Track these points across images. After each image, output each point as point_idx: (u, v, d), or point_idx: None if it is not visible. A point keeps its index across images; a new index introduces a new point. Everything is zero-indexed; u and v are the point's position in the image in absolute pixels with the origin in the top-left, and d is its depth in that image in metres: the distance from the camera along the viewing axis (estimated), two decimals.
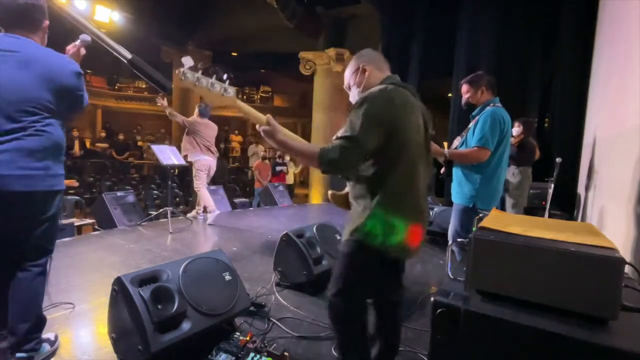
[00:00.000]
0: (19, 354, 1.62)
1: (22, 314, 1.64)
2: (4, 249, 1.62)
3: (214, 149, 5.07)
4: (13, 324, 1.62)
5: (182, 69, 1.28)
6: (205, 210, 5.25)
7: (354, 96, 1.54)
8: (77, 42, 1.82)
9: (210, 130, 5.03)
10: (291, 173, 10.03)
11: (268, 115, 1.36)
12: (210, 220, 4.96)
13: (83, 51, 1.84)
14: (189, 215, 5.28)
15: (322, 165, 1.28)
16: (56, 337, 1.88)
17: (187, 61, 1.31)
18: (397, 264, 1.55)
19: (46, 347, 1.77)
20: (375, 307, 1.61)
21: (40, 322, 1.72)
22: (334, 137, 1.49)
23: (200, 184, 4.96)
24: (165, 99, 4.94)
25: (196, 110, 5.03)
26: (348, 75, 1.56)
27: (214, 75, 1.34)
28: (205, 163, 4.93)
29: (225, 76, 1.37)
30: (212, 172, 5.12)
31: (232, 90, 1.37)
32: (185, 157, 4.95)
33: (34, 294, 1.68)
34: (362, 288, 1.43)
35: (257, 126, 1.36)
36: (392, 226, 1.33)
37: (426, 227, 1.49)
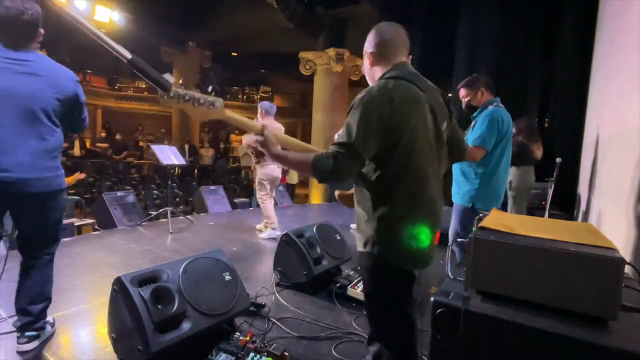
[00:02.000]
0: (28, 333, 1.83)
1: (37, 297, 1.85)
2: (29, 242, 1.85)
3: None
4: (27, 307, 1.82)
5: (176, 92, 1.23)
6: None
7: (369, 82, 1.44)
8: None
9: (276, 131, 4.38)
10: (294, 173, 10.00)
11: (264, 125, 1.32)
12: (264, 235, 4.39)
13: None
14: (261, 236, 4.46)
15: (316, 175, 1.20)
16: (54, 320, 2.05)
17: (169, 78, 1.22)
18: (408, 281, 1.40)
19: (48, 327, 1.96)
20: None
21: (49, 304, 1.93)
22: (336, 136, 1.46)
23: (265, 195, 4.33)
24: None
25: (259, 110, 4.30)
26: (364, 57, 1.43)
27: (197, 90, 1.28)
28: (269, 172, 4.29)
29: (210, 88, 1.33)
30: (277, 183, 4.50)
31: (219, 103, 1.31)
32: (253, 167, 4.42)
33: (47, 278, 1.91)
34: (393, 301, 1.33)
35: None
36: (401, 237, 1.23)
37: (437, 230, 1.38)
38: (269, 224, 4.37)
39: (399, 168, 1.23)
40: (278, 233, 4.27)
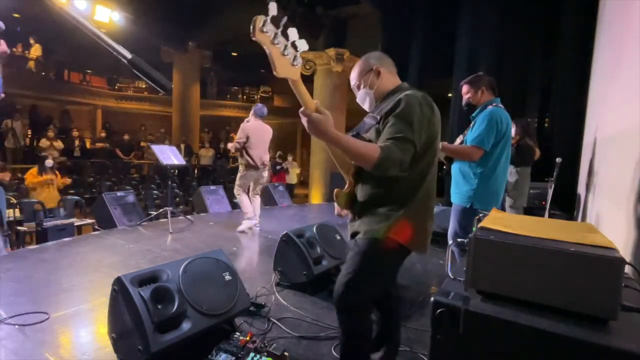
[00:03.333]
0: None
1: None
2: None
3: (264, 159, 4.51)
4: None
5: (265, 18, 1.02)
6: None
7: (362, 97, 1.54)
8: None
9: (265, 133, 4.48)
10: (293, 173, 10.03)
11: (316, 101, 1.24)
12: (241, 228, 4.55)
13: (3, 47, 1.51)
14: (240, 228, 4.63)
15: (381, 164, 1.23)
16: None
17: (273, 8, 1.03)
18: (403, 261, 1.54)
19: None
20: (378, 303, 1.63)
21: None
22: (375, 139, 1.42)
23: (239, 190, 4.54)
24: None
25: (251, 111, 4.47)
26: (355, 76, 1.55)
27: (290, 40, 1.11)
28: (250, 174, 4.52)
29: (297, 42, 1.13)
30: (262, 181, 4.69)
31: (300, 62, 1.16)
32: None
33: None
34: (373, 284, 1.44)
35: (300, 111, 1.23)
36: (417, 228, 1.40)
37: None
38: (245, 214, 4.55)
39: (426, 167, 1.39)
40: (255, 221, 4.61)
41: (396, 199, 1.38)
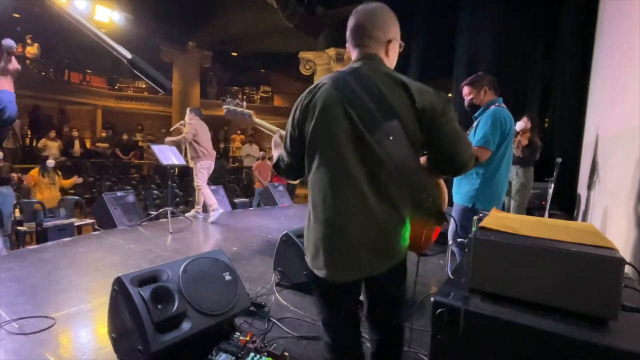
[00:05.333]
0: None
1: None
2: None
3: (212, 150, 5.19)
4: None
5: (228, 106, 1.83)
6: (205, 209, 5.29)
7: None
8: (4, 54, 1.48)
9: (205, 130, 5.16)
10: None
11: (278, 130, 1.55)
12: (213, 218, 4.97)
13: (15, 65, 1.54)
14: (187, 214, 5.31)
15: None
16: None
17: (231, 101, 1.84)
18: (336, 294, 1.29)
19: None
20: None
21: None
22: None
23: (202, 183, 5.07)
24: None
25: (191, 114, 5.13)
26: None
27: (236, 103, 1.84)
28: (205, 163, 5.10)
29: (239, 102, 1.85)
30: (211, 170, 5.27)
31: (249, 113, 1.85)
32: (187, 161, 5.14)
33: None
34: (327, 318, 1.31)
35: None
36: (310, 247, 1.28)
37: (366, 255, 1.19)
38: (212, 207, 5.01)
39: (311, 173, 1.21)
40: (222, 210, 5.17)
41: (310, 211, 1.29)
